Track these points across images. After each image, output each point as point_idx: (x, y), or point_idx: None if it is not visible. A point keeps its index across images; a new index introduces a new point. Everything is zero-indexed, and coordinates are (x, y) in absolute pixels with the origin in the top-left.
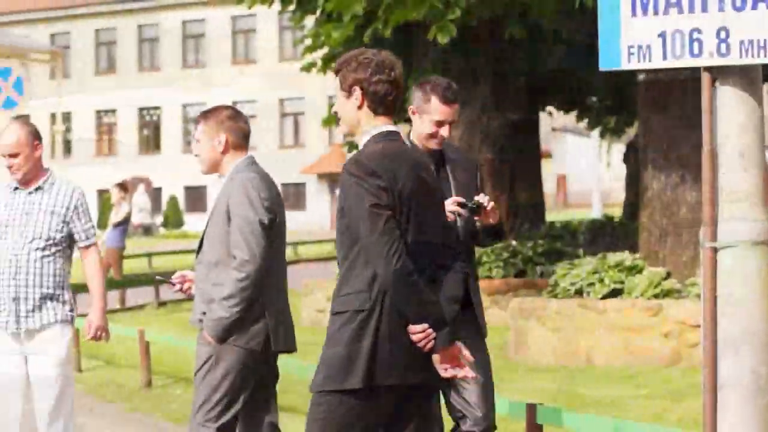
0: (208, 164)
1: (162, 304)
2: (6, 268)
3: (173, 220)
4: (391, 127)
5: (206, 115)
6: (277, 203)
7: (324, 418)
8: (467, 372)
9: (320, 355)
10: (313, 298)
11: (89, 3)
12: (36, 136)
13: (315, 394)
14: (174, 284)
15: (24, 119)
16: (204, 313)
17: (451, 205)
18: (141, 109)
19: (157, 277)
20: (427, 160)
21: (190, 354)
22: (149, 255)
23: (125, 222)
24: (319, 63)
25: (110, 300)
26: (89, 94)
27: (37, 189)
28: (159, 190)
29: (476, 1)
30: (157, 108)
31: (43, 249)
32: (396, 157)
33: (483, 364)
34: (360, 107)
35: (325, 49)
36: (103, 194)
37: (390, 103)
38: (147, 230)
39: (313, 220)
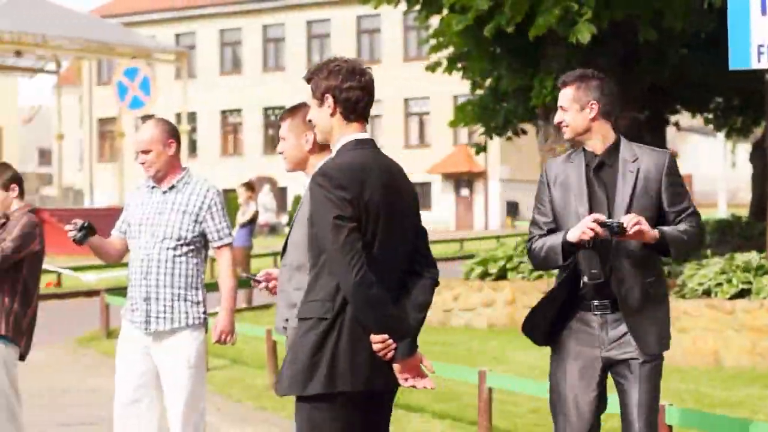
0: (293, 162)
1: None
2: (138, 268)
3: None
4: (363, 135)
5: (293, 112)
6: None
7: (303, 421)
8: (427, 383)
9: (284, 359)
10: (439, 298)
11: (214, 3)
12: (171, 134)
13: (296, 401)
14: (260, 282)
15: (162, 118)
16: (287, 320)
17: (589, 221)
18: (266, 109)
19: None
20: (397, 168)
21: None
22: (275, 254)
23: (252, 221)
24: (445, 63)
25: (237, 299)
26: (214, 94)
27: (171, 188)
28: (284, 189)
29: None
30: (281, 108)
31: (174, 249)
32: (364, 167)
33: (647, 389)
34: (332, 114)
35: (451, 49)
36: (228, 194)
37: (362, 109)
38: (272, 229)
39: (439, 219)
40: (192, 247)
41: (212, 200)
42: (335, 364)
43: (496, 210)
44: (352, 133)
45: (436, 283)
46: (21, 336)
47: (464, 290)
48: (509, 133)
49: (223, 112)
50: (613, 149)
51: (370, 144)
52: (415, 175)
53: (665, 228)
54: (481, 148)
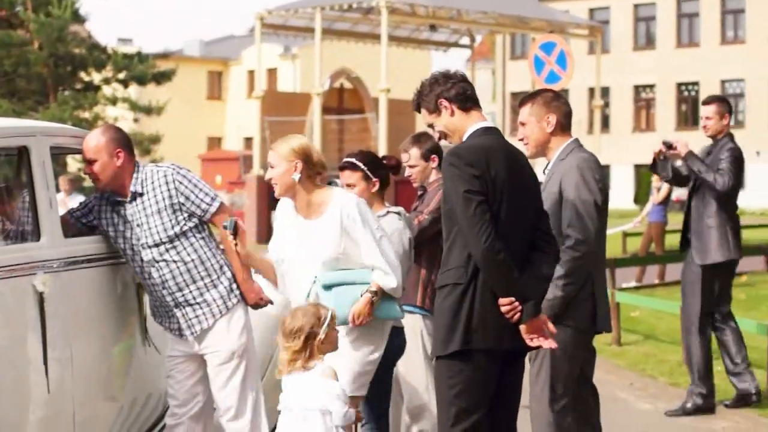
0: (536, 146)
1: None
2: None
3: None
4: (488, 123)
5: (532, 97)
6: (607, 185)
7: (443, 379)
8: (551, 343)
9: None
10: None
11: None
12: (119, 143)
13: (436, 362)
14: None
15: (112, 125)
16: None
17: None
18: (679, 85)
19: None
20: (520, 153)
21: None
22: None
23: (667, 198)
24: None
25: (649, 275)
26: (627, 69)
27: (135, 196)
28: None
29: None
30: (695, 84)
31: (168, 251)
32: (490, 148)
33: None
34: (452, 114)
35: None
36: (639, 169)
37: (472, 96)
38: (683, 206)
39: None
40: (183, 240)
41: (175, 179)
42: (470, 323)
43: None
44: (476, 121)
45: (557, 259)
46: None
47: None
48: None
49: (636, 88)
50: None
51: (495, 131)
52: None
53: None
54: None
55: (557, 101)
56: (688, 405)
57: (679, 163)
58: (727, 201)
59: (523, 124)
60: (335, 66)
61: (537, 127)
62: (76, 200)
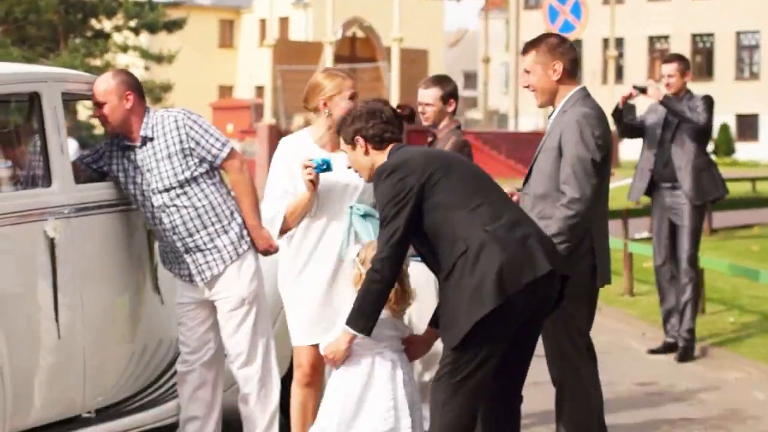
0: (543, 95)
1: (714, 231)
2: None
3: (724, 148)
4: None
5: (535, 44)
6: (609, 139)
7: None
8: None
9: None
10: None
11: None
12: (128, 86)
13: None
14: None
15: (123, 69)
16: None
17: None
18: (693, 36)
19: None
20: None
21: (744, 282)
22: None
23: None
24: None
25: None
26: (642, 20)
27: (144, 140)
28: None
29: None
30: (710, 35)
31: (178, 196)
32: (416, 152)
33: None
34: (366, 153)
35: None
36: None
37: (389, 138)
38: None
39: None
40: (193, 184)
41: (185, 124)
42: (501, 275)
43: None
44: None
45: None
46: None
47: None
48: None
49: (651, 38)
50: None
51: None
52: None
53: None
54: None
55: (562, 47)
56: (680, 344)
57: (638, 115)
58: (705, 139)
59: (527, 72)
60: (347, 15)
61: (543, 76)
62: (70, 146)
